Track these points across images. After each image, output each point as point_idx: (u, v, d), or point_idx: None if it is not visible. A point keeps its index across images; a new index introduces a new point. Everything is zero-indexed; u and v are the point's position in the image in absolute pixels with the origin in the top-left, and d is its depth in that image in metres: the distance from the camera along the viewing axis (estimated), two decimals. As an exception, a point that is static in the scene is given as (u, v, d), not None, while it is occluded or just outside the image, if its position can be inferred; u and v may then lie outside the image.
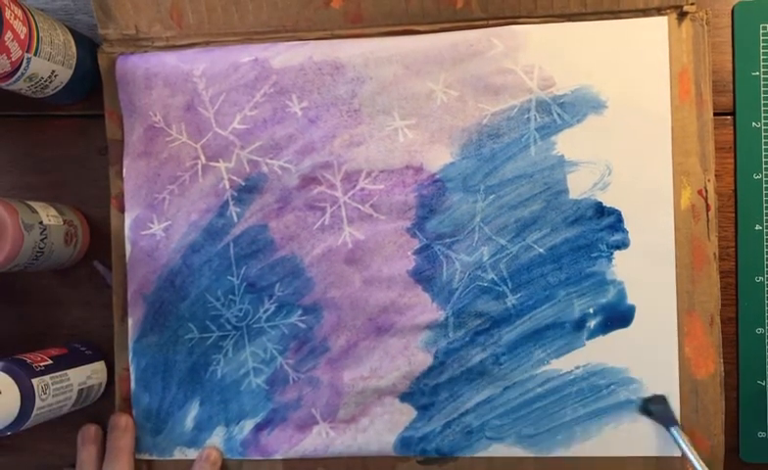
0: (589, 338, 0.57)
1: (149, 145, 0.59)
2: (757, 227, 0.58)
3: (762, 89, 0.57)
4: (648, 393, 0.56)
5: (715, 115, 0.57)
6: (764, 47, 0.57)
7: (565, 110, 0.56)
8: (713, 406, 0.56)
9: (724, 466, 0.57)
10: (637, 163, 0.56)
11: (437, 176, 0.57)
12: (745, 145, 0.58)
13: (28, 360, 0.54)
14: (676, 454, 0.56)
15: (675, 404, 0.56)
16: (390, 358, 0.58)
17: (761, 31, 0.57)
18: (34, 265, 0.56)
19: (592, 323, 0.57)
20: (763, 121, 0.58)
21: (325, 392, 0.58)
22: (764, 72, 0.57)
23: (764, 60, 0.57)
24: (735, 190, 0.58)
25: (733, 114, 0.58)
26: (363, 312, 0.58)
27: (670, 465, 0.57)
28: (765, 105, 0.57)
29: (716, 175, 0.58)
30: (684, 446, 0.53)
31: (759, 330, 0.58)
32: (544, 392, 0.57)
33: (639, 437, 0.56)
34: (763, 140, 0.58)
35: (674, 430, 0.55)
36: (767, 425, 0.58)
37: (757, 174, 0.58)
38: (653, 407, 0.56)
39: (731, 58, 0.58)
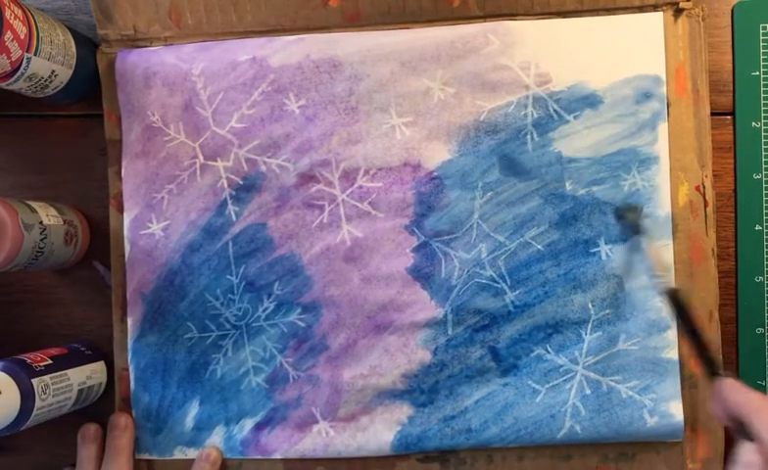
0: (588, 333, 0.57)
1: (147, 145, 0.59)
2: (757, 227, 0.58)
3: (762, 89, 0.58)
4: (650, 393, 0.56)
5: (715, 114, 0.58)
6: (764, 47, 0.57)
7: (562, 106, 0.56)
8: (713, 402, 0.56)
9: (724, 466, 0.57)
10: (633, 159, 0.56)
11: (435, 173, 0.57)
12: (745, 145, 0.58)
13: (28, 360, 0.54)
14: (678, 440, 0.57)
15: (676, 402, 0.56)
16: (389, 356, 0.58)
17: (761, 31, 0.57)
18: (34, 265, 0.56)
19: (590, 319, 0.57)
20: (763, 121, 0.58)
21: (325, 390, 0.58)
22: (764, 72, 0.58)
23: (764, 60, 0.58)
24: (735, 190, 0.58)
25: (733, 113, 0.58)
26: (362, 310, 0.58)
27: (673, 458, 0.57)
28: (765, 105, 0.58)
29: (716, 175, 0.58)
30: (646, 254, 0.54)
31: (759, 330, 0.58)
32: (543, 388, 0.57)
33: (640, 431, 0.56)
34: (763, 140, 0.58)
35: (641, 239, 0.55)
36: (767, 425, 0.58)
37: (757, 174, 0.58)
38: (627, 214, 0.56)
39: (731, 58, 0.58)
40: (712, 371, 0.46)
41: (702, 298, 0.56)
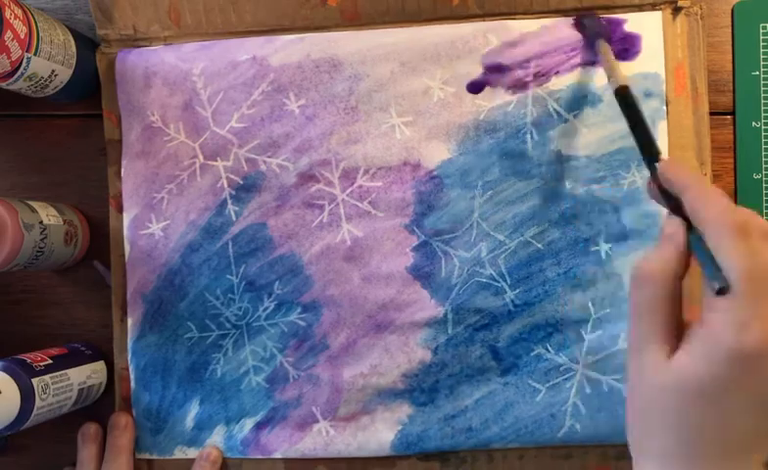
0: (588, 332, 0.57)
1: (147, 145, 0.59)
2: (757, 227, 0.58)
3: (762, 89, 0.58)
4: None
5: (715, 114, 0.58)
6: (764, 47, 0.57)
7: (561, 105, 0.56)
8: (713, 400, 0.56)
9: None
10: (633, 157, 0.56)
11: (435, 173, 0.57)
12: (745, 145, 0.58)
13: (28, 360, 0.54)
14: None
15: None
16: (390, 355, 0.58)
17: (761, 31, 0.57)
18: (34, 265, 0.56)
19: (591, 318, 0.57)
20: (763, 121, 0.58)
21: (325, 389, 0.58)
22: (764, 72, 0.58)
23: (764, 59, 0.58)
24: (735, 190, 0.58)
25: (733, 113, 0.58)
26: (363, 310, 0.58)
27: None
28: (765, 105, 0.58)
29: (716, 175, 0.58)
30: (603, 55, 0.54)
31: (759, 329, 0.58)
32: (544, 387, 0.57)
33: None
34: (763, 140, 0.58)
35: (599, 42, 0.55)
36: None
37: (757, 174, 0.58)
38: (586, 22, 0.56)
39: (731, 58, 0.58)
40: (653, 159, 0.46)
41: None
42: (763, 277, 0.36)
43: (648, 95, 0.56)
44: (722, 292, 0.37)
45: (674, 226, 0.41)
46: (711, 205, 0.39)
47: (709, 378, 0.36)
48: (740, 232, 0.37)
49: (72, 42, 0.57)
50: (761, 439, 0.38)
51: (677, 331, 0.39)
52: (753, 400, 0.37)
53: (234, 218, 0.59)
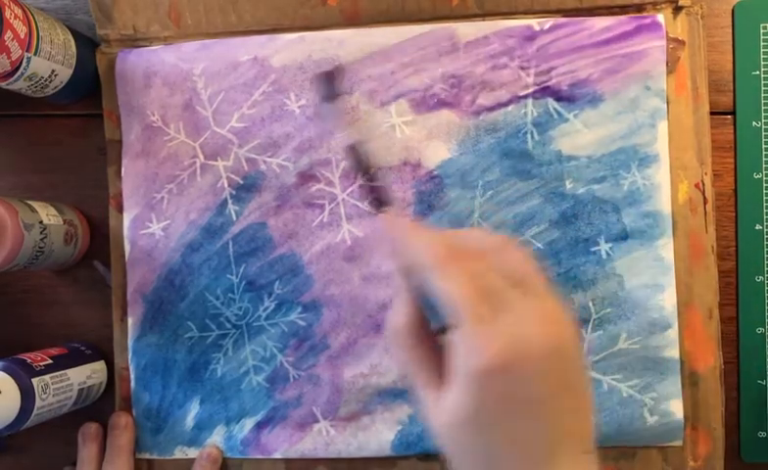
0: (588, 332, 0.56)
1: (147, 144, 0.59)
2: (757, 227, 0.58)
3: (762, 89, 0.58)
4: (650, 392, 0.56)
5: (716, 114, 0.58)
6: (764, 47, 0.57)
7: (562, 104, 0.56)
8: (713, 399, 0.56)
9: (724, 466, 0.57)
10: (633, 157, 0.56)
11: (435, 172, 0.57)
12: (746, 144, 0.58)
13: (28, 360, 0.54)
14: (679, 444, 0.57)
15: (676, 400, 0.56)
16: (390, 355, 0.58)
17: (761, 31, 0.58)
18: (34, 265, 0.56)
19: (591, 318, 0.56)
20: (763, 121, 0.58)
21: (326, 389, 0.58)
22: (764, 72, 0.58)
23: (764, 59, 0.58)
24: (735, 189, 0.58)
25: (733, 113, 0.58)
26: (363, 309, 0.58)
27: (674, 456, 0.57)
28: (765, 104, 0.58)
29: (716, 175, 0.58)
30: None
31: (759, 330, 0.58)
32: (543, 387, 0.57)
33: (641, 430, 0.56)
34: (763, 140, 0.58)
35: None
36: (767, 425, 0.58)
37: (757, 174, 0.58)
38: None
39: (731, 57, 0.58)
40: (379, 210, 0.45)
41: (702, 295, 0.56)
42: (480, 297, 0.36)
43: (648, 95, 0.56)
44: (444, 330, 0.37)
45: (398, 278, 0.41)
46: (414, 244, 0.39)
47: (472, 407, 0.36)
48: (446, 261, 0.37)
49: (72, 42, 0.57)
50: (550, 444, 0.38)
51: (441, 369, 0.39)
52: (520, 410, 0.36)
53: (234, 218, 0.59)
